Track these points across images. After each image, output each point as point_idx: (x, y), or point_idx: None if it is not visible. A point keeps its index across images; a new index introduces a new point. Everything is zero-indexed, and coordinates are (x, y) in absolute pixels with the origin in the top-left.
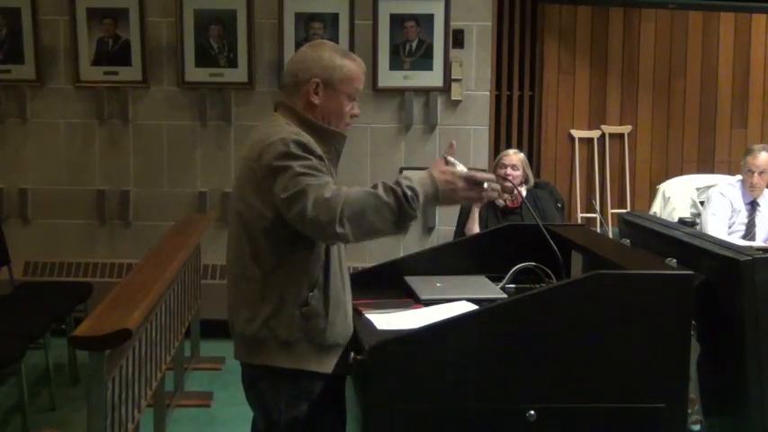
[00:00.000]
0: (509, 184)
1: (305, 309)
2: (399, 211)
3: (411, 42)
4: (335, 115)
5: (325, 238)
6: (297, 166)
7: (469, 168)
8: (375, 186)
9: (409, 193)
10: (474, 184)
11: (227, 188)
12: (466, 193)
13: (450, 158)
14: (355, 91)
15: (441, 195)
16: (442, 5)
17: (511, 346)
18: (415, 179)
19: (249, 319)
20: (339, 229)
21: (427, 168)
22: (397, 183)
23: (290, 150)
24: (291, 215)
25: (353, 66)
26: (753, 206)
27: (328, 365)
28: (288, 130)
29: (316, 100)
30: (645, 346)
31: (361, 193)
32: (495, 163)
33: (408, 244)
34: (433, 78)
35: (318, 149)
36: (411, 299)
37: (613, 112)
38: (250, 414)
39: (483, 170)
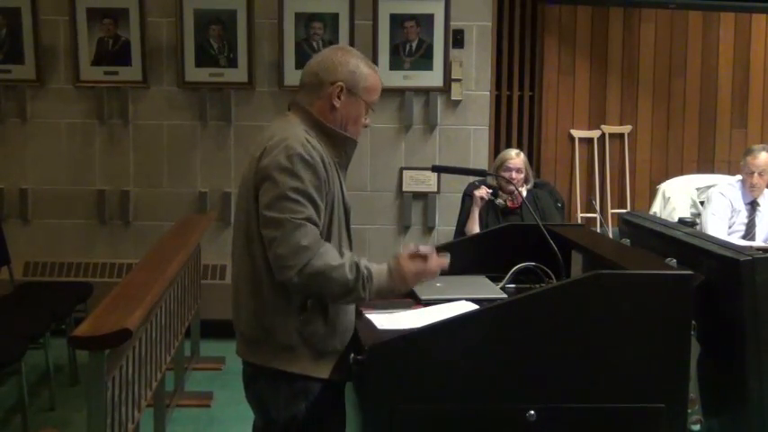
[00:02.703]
0: (512, 187)
1: (303, 315)
2: (354, 290)
3: (411, 42)
4: (353, 122)
5: (279, 275)
6: (288, 186)
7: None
8: (347, 256)
9: (366, 273)
10: (421, 257)
11: (227, 188)
12: (417, 269)
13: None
14: (374, 102)
15: (396, 284)
16: (441, 5)
17: (511, 346)
18: (375, 267)
19: (249, 320)
20: (295, 278)
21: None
22: (362, 264)
23: (288, 165)
24: (264, 234)
25: (375, 77)
26: (753, 206)
27: (325, 371)
28: (296, 133)
29: (337, 103)
30: (645, 346)
31: (331, 259)
32: (498, 165)
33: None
34: (433, 78)
35: (320, 162)
36: (411, 299)
37: (613, 112)
38: (250, 414)
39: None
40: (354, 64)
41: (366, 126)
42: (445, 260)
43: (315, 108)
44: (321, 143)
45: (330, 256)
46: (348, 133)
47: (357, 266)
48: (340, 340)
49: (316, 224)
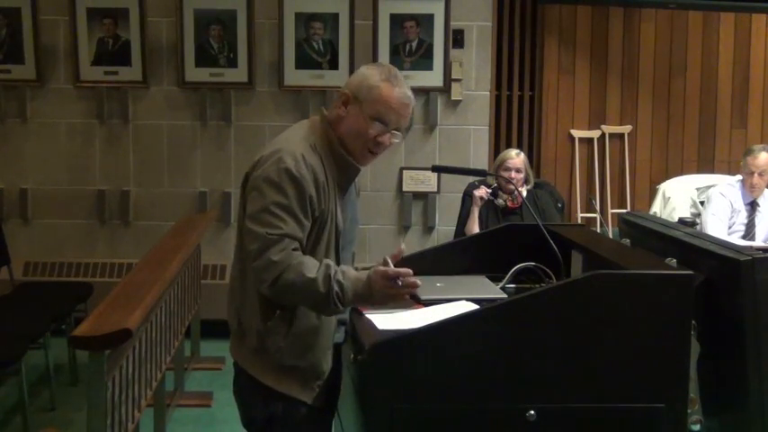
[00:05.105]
0: (511, 187)
1: (269, 323)
2: (324, 302)
3: (411, 42)
4: (354, 135)
5: (258, 286)
6: (271, 200)
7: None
8: (323, 266)
9: (336, 288)
10: (390, 279)
11: (227, 188)
12: (387, 290)
13: (388, 259)
14: (381, 116)
15: (375, 296)
16: (441, 5)
17: (511, 346)
18: (352, 276)
19: (233, 317)
20: (267, 291)
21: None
22: (335, 277)
23: (276, 179)
24: (245, 243)
25: (389, 91)
26: (753, 206)
27: (288, 387)
28: (294, 147)
29: (342, 112)
30: (645, 346)
31: (301, 272)
32: (498, 164)
33: (408, 244)
34: (433, 78)
35: (311, 179)
36: (411, 299)
37: (613, 112)
38: None
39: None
40: (367, 74)
41: (381, 145)
42: (416, 283)
43: (330, 117)
44: (326, 160)
45: (305, 267)
46: (351, 147)
47: (329, 280)
48: (306, 360)
49: (295, 239)
